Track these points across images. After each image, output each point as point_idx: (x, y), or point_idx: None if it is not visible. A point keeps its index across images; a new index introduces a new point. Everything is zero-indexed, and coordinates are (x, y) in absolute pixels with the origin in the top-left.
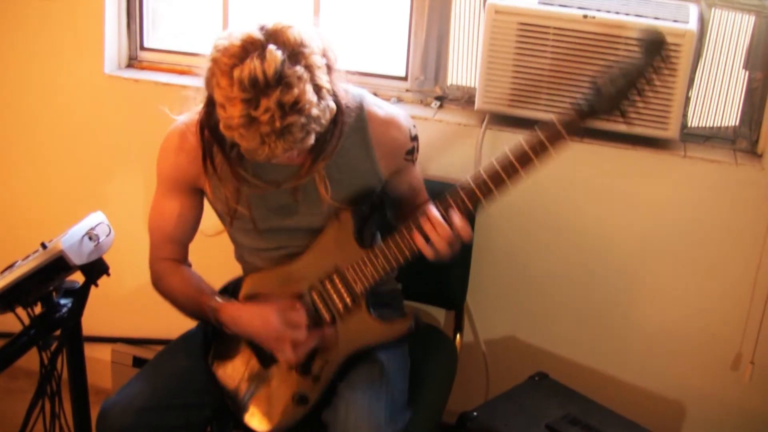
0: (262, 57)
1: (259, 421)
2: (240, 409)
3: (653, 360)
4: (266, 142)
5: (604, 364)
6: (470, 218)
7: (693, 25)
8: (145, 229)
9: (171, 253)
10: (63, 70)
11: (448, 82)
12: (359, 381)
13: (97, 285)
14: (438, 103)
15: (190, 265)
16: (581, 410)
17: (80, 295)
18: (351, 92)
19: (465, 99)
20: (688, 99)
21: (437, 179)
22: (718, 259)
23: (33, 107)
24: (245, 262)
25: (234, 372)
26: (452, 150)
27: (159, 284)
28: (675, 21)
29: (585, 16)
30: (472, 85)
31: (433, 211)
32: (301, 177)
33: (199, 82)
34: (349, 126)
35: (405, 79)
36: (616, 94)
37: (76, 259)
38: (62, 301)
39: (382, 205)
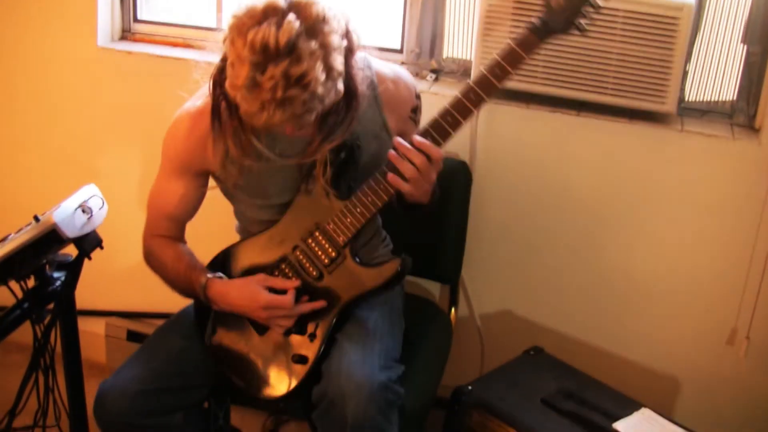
0: (279, 24)
1: (269, 389)
2: (247, 382)
3: (648, 334)
4: (265, 109)
5: (600, 338)
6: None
7: None
8: (139, 203)
9: (167, 230)
10: (56, 42)
11: (444, 55)
12: (352, 336)
13: (90, 258)
14: (434, 76)
15: (185, 243)
16: (576, 384)
17: (74, 268)
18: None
19: (461, 72)
20: (685, 73)
21: None
22: (714, 234)
23: (25, 80)
24: (247, 231)
25: (232, 347)
26: None
27: (150, 259)
28: None
29: None
30: (468, 58)
31: (399, 139)
32: (307, 156)
33: (199, 56)
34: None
35: (400, 51)
36: (568, 7)
37: (69, 232)
38: (56, 275)
39: (354, 155)
